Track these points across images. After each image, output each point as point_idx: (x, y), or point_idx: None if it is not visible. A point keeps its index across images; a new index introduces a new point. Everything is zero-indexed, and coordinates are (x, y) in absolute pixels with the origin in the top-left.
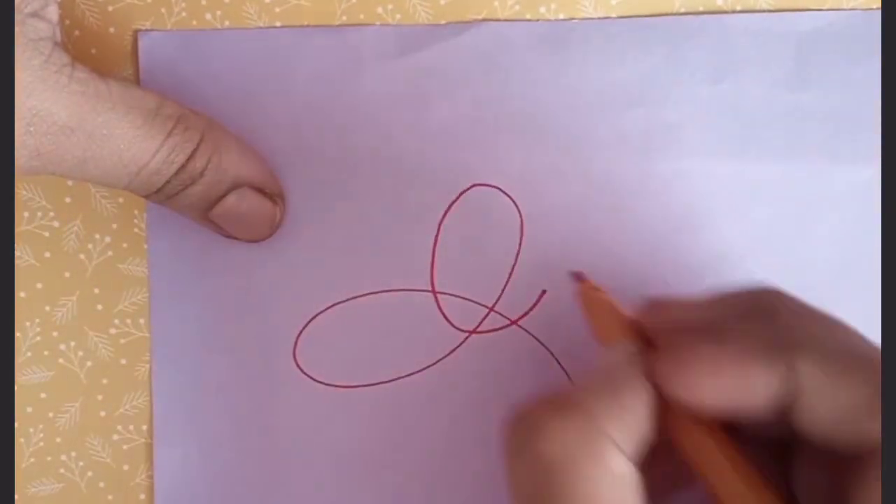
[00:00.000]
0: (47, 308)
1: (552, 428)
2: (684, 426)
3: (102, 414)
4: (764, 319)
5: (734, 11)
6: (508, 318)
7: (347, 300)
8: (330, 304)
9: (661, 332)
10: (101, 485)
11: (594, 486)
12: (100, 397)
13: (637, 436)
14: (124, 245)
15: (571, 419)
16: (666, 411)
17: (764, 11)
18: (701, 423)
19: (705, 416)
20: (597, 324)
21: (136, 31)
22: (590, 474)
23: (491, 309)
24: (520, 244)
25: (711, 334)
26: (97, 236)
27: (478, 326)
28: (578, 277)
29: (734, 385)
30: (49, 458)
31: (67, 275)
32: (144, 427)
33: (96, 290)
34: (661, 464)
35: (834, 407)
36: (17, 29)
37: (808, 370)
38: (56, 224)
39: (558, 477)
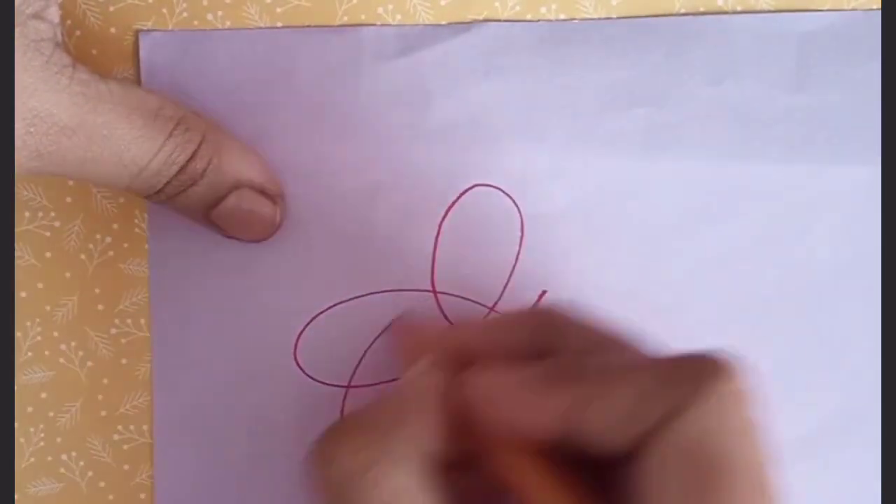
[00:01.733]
0: (48, 308)
1: (338, 452)
2: (489, 442)
3: (103, 414)
4: (548, 337)
5: (734, 12)
6: None
7: (347, 300)
8: (330, 304)
9: (457, 354)
10: (102, 485)
11: (378, 502)
12: (100, 397)
13: (424, 447)
14: (125, 245)
15: (357, 439)
16: (471, 429)
17: (764, 12)
18: (507, 442)
19: (510, 437)
20: (406, 353)
21: (138, 32)
22: (372, 491)
23: (491, 309)
24: (520, 244)
25: (500, 359)
26: (98, 236)
27: None
28: (395, 321)
29: (519, 412)
30: (49, 458)
31: (68, 275)
32: (145, 427)
33: (97, 290)
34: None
35: (603, 420)
36: (17, 30)
37: (583, 393)
38: (57, 224)
39: (346, 496)
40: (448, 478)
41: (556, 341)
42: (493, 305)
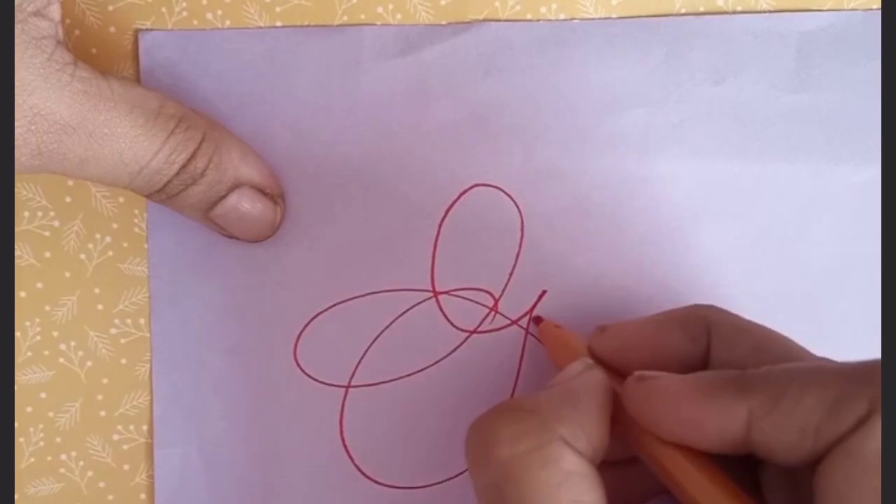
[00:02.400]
0: (47, 308)
1: (504, 433)
2: (651, 441)
3: (102, 414)
4: (700, 335)
5: (735, 12)
6: (509, 318)
7: (347, 300)
8: (330, 304)
9: (613, 354)
10: (102, 485)
11: (548, 485)
12: (100, 397)
13: (590, 437)
14: (125, 245)
15: (522, 422)
16: (631, 425)
17: (764, 12)
18: (669, 444)
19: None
20: (556, 354)
21: (137, 31)
22: (542, 474)
23: (492, 309)
24: (520, 244)
25: (654, 362)
26: (97, 236)
27: (478, 326)
28: (537, 321)
29: (691, 424)
30: (49, 458)
31: (68, 274)
32: (145, 427)
33: (96, 290)
34: (632, 470)
35: (785, 431)
36: (19, 27)
37: (759, 405)
38: (56, 224)
39: (514, 479)
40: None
41: (712, 343)
42: (494, 305)
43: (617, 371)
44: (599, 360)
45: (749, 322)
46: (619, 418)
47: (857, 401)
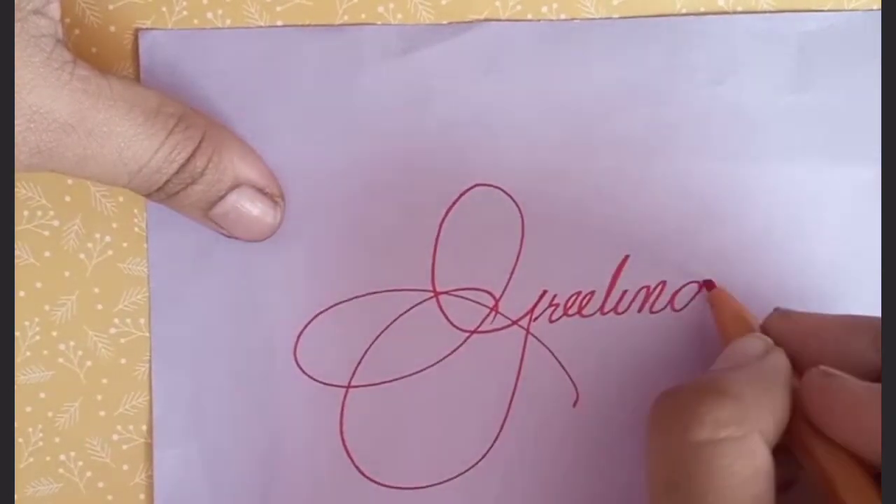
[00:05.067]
0: (47, 307)
1: (704, 411)
2: (818, 439)
3: (102, 414)
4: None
5: (735, 12)
6: (509, 318)
7: (347, 300)
8: (330, 304)
9: (792, 342)
10: (101, 485)
11: (740, 474)
12: (99, 397)
13: (777, 428)
14: (124, 244)
15: (724, 406)
16: (798, 418)
17: (765, 12)
18: (832, 443)
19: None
20: (727, 323)
21: (137, 30)
22: (736, 463)
23: (492, 309)
24: (520, 244)
25: (834, 362)
26: (97, 235)
27: (478, 326)
28: (710, 286)
29: (871, 434)
30: (48, 458)
31: (67, 274)
32: (144, 427)
33: (96, 290)
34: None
35: None
36: (18, 25)
37: None
38: (56, 223)
39: (704, 461)
40: None
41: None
42: (494, 305)
43: (791, 360)
44: (774, 339)
45: None
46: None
47: None
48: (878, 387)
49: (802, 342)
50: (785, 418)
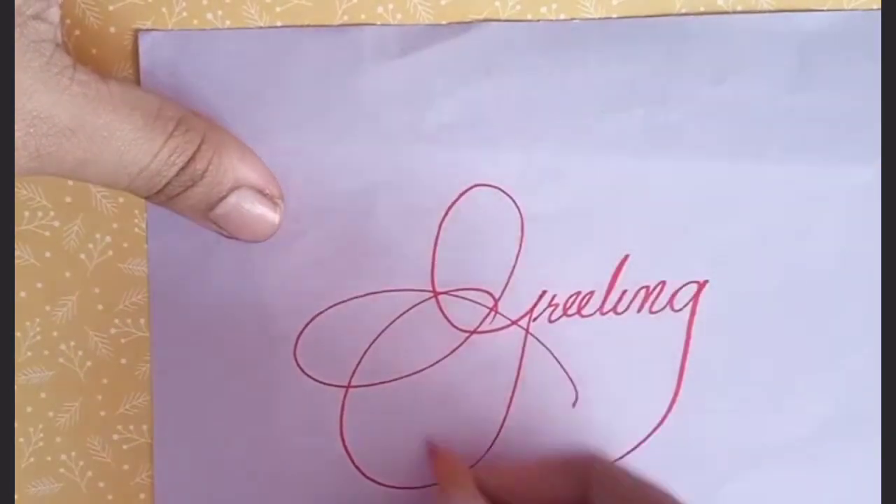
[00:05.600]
0: (47, 308)
1: None
2: None
3: (102, 414)
4: (581, 483)
5: (735, 12)
6: (509, 318)
7: (347, 300)
8: (330, 304)
9: (497, 492)
10: (101, 485)
11: None
12: (100, 397)
13: None
14: (125, 245)
15: None
16: None
17: (765, 12)
18: None
19: None
20: (443, 477)
21: (137, 31)
22: None
23: (491, 309)
24: (520, 244)
25: None
26: (97, 236)
27: (478, 326)
28: (433, 449)
29: None
30: (49, 458)
31: (68, 274)
32: (144, 427)
33: (96, 290)
34: None
35: None
36: (18, 31)
37: None
38: (56, 223)
39: None
40: None
41: (592, 490)
42: (494, 306)
43: None
44: (485, 493)
45: (625, 472)
46: None
47: None
48: None
49: (507, 492)
50: None
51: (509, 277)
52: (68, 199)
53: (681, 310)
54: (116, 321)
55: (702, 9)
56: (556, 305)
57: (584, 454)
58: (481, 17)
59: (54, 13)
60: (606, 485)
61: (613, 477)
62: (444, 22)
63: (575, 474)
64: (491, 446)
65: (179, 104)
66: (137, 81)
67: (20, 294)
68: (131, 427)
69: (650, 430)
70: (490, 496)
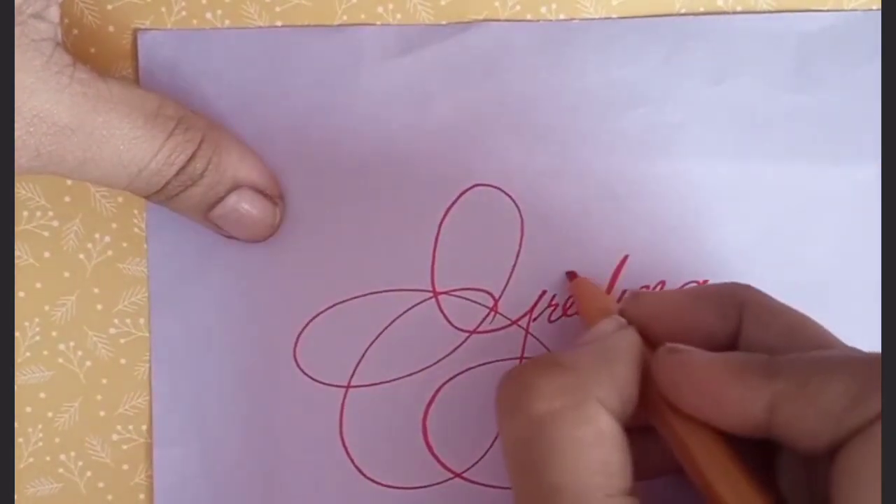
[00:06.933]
0: (47, 308)
1: (540, 385)
2: (673, 414)
3: (102, 414)
4: (734, 313)
5: (734, 12)
6: (509, 319)
7: (347, 300)
8: (330, 304)
9: (644, 322)
10: (101, 485)
11: (581, 442)
12: (99, 397)
13: (623, 399)
14: (124, 245)
15: (560, 377)
16: (654, 395)
17: (764, 12)
18: (687, 417)
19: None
20: (586, 309)
21: (136, 30)
22: (576, 430)
23: (491, 309)
24: (520, 244)
25: (685, 335)
26: (97, 236)
27: (478, 326)
28: (572, 276)
29: (716, 401)
30: (48, 458)
31: (67, 274)
32: (144, 427)
33: (96, 290)
34: (643, 441)
35: (808, 417)
36: (18, 30)
37: (785, 389)
38: (55, 223)
39: (546, 432)
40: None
41: (744, 323)
42: (494, 306)
43: (646, 339)
44: (631, 322)
45: (782, 305)
46: (643, 386)
47: (874, 398)
48: (722, 356)
49: (656, 322)
50: (631, 391)
51: (509, 277)
52: (67, 199)
53: None
54: (116, 321)
55: (702, 9)
56: (556, 305)
57: (740, 285)
58: (481, 17)
59: (54, 12)
60: (762, 318)
61: (771, 311)
62: (443, 22)
63: (728, 305)
64: (491, 446)
65: (179, 103)
66: (136, 81)
67: (19, 294)
68: (130, 427)
69: None
70: (637, 325)
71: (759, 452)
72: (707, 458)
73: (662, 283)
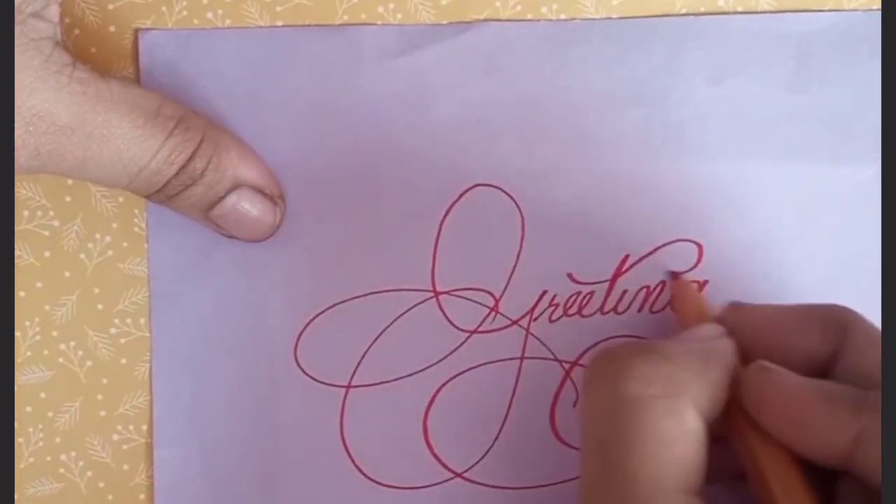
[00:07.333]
0: (47, 307)
1: (637, 367)
2: (753, 432)
3: (102, 414)
4: (836, 337)
5: (735, 12)
6: (509, 318)
7: (347, 300)
8: (330, 304)
9: (741, 333)
10: (101, 485)
11: (666, 433)
12: (99, 397)
13: (711, 403)
14: (124, 244)
15: (658, 365)
16: (737, 409)
17: (764, 12)
18: (766, 435)
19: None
20: (685, 311)
21: (137, 30)
22: (664, 421)
23: (492, 309)
24: (520, 244)
25: (783, 353)
26: (97, 235)
27: (479, 326)
28: (675, 275)
29: (802, 427)
30: (48, 458)
31: (67, 274)
32: (144, 427)
33: (96, 290)
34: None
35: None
36: (17, 29)
37: (872, 426)
38: (56, 223)
39: (634, 416)
40: None
41: (844, 348)
42: (494, 306)
43: (739, 350)
44: (729, 331)
45: (878, 331)
46: (728, 397)
47: None
48: (815, 383)
49: (754, 334)
50: (720, 398)
51: (510, 277)
52: (68, 199)
53: None
54: (116, 321)
55: (702, 9)
56: (557, 305)
57: (843, 308)
58: (482, 16)
59: (54, 11)
60: (863, 345)
61: (873, 338)
62: (444, 22)
63: (831, 328)
64: (491, 446)
65: (179, 103)
66: (137, 81)
67: (20, 294)
68: (131, 427)
69: None
70: (734, 335)
71: (820, 476)
72: (778, 479)
73: (663, 283)
